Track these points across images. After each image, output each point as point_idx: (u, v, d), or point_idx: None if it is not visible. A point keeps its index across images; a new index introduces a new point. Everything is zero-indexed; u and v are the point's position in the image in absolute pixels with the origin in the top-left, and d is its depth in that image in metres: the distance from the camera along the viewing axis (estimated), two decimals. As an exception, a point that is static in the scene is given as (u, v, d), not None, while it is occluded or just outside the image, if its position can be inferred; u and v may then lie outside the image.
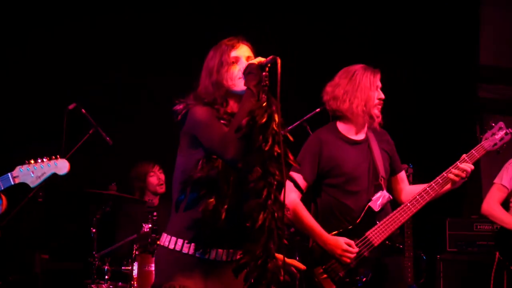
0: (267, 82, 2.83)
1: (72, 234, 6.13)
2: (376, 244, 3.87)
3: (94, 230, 5.46)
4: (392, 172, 4.17)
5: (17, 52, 6.27)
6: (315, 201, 4.09)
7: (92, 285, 5.35)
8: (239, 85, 2.99)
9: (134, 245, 5.41)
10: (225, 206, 2.88)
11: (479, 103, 7.26)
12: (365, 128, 4.10)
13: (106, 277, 5.47)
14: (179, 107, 3.02)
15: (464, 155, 4.00)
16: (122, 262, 5.58)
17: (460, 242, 6.21)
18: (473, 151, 4.05)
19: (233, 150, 2.79)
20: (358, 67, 4.08)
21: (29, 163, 3.64)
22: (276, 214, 2.82)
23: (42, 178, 3.65)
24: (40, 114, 6.21)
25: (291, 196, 3.90)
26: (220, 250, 2.97)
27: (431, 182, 3.96)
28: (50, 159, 3.68)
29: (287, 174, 2.85)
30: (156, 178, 6.22)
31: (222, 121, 2.95)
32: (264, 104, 2.80)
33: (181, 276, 2.95)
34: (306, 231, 3.96)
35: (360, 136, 4.08)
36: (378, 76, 4.06)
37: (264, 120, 2.77)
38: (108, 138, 5.53)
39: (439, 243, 6.14)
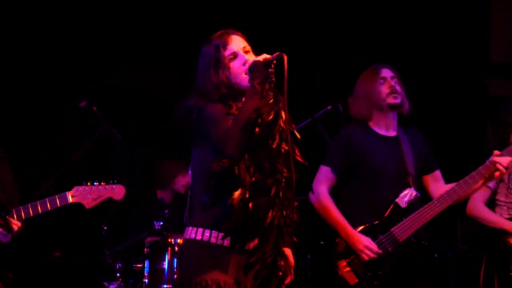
0: (273, 79, 2.81)
1: (84, 231, 6.15)
2: (401, 240, 3.92)
3: (105, 228, 5.47)
4: (426, 171, 4.19)
5: (30, 49, 6.28)
6: (343, 192, 4.16)
7: (104, 283, 5.37)
8: (245, 80, 2.94)
9: (146, 243, 5.42)
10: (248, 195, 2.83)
11: (490, 100, 7.22)
12: (395, 125, 4.15)
13: (118, 274, 5.49)
14: (190, 104, 3.00)
15: (496, 151, 4.00)
16: (133, 259, 5.60)
17: (471, 239, 6.19)
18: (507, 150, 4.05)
19: (233, 146, 2.77)
20: (369, 69, 4.21)
21: (87, 184, 3.66)
22: (284, 212, 2.80)
23: (98, 202, 3.68)
24: (51, 112, 6.24)
25: (321, 188, 4.06)
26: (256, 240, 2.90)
27: (460, 181, 3.96)
28: (107, 183, 3.71)
29: (294, 171, 2.80)
30: (186, 180, 6.24)
31: (232, 118, 2.91)
32: (270, 101, 2.79)
33: (213, 268, 2.88)
34: (332, 224, 4.04)
35: (391, 133, 4.14)
36: (380, 71, 4.13)
37: (271, 117, 2.77)
38: (118, 135, 5.54)
39: (451, 241, 6.14)
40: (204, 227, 2.92)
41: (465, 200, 4.49)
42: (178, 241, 5.34)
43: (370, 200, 4.00)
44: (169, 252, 5.32)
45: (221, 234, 2.88)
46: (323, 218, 4.10)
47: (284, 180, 2.79)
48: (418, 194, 4.00)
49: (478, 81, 7.28)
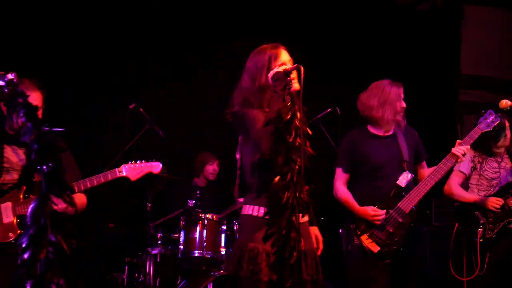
0: (291, 85, 2.85)
1: (132, 207, 6.20)
2: (407, 211, 4.01)
3: (149, 205, 5.52)
4: (417, 159, 4.26)
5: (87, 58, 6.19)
6: (353, 185, 4.23)
7: (148, 249, 5.42)
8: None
9: (181, 217, 5.47)
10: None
11: (460, 106, 7.22)
12: (392, 128, 4.20)
13: (159, 242, 5.54)
14: (233, 111, 3.05)
15: (466, 137, 4.13)
16: (172, 230, 5.64)
17: (443, 217, 6.19)
18: (472, 133, 4.16)
19: (265, 143, 2.83)
20: (387, 82, 4.17)
21: (131, 162, 3.70)
22: (297, 194, 2.81)
23: (141, 175, 3.72)
24: (107, 112, 6.28)
25: (338, 185, 4.18)
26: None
27: (443, 160, 4.06)
28: (147, 161, 3.74)
29: (306, 161, 2.84)
30: (212, 168, 6.28)
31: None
32: (288, 104, 2.81)
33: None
34: (350, 209, 4.12)
35: (388, 133, 4.19)
36: (402, 89, 4.17)
37: (288, 116, 2.79)
38: (161, 132, 5.58)
39: (427, 219, 6.13)
40: (259, 205, 2.98)
41: (440, 184, 4.53)
42: (207, 216, 5.40)
43: (376, 187, 4.08)
44: (200, 224, 5.32)
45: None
46: (343, 206, 4.18)
47: (297, 168, 2.81)
48: (413, 175, 4.11)
49: (450, 90, 7.28)
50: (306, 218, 3.14)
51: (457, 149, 4.05)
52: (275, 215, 2.80)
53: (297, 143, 2.80)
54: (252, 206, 3.03)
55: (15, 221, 3.49)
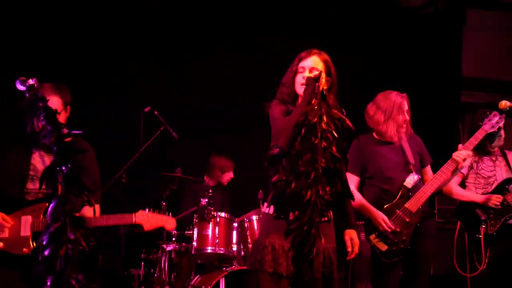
0: (319, 90, 2.91)
1: (148, 206, 6.20)
2: (413, 211, 3.99)
3: (164, 203, 5.54)
4: (421, 164, 4.24)
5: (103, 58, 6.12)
6: (362, 187, 4.22)
7: (163, 245, 5.45)
8: (301, 90, 3.06)
9: (194, 215, 5.48)
10: (291, 178, 2.87)
11: (462, 107, 7.20)
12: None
13: (173, 239, 5.56)
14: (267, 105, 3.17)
15: (471, 139, 4.12)
16: (185, 227, 5.66)
17: (446, 214, 6.17)
18: (477, 134, 4.15)
19: (283, 140, 2.86)
20: (393, 95, 4.14)
21: (149, 210, 3.57)
22: (320, 193, 2.83)
23: (154, 227, 3.56)
24: (123, 115, 6.29)
25: (351, 187, 4.04)
26: (297, 212, 2.89)
27: (445, 165, 4.04)
28: (163, 213, 3.63)
29: (330, 163, 2.88)
30: (229, 176, 6.26)
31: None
32: (315, 107, 2.85)
33: (273, 234, 2.97)
34: (361, 209, 4.08)
35: (393, 139, 4.16)
36: (405, 101, 4.13)
37: (315, 119, 2.83)
38: (174, 134, 5.60)
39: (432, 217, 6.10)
40: (270, 203, 3.05)
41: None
42: (220, 213, 5.41)
43: (383, 191, 4.07)
44: (212, 222, 5.33)
45: (274, 208, 2.98)
46: (356, 209, 4.12)
47: (321, 169, 2.83)
48: (419, 176, 4.10)
49: (452, 92, 7.26)
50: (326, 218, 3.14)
51: (458, 154, 4.03)
52: (300, 212, 2.82)
53: (322, 145, 2.83)
54: (266, 203, 3.11)
55: (30, 237, 3.34)
